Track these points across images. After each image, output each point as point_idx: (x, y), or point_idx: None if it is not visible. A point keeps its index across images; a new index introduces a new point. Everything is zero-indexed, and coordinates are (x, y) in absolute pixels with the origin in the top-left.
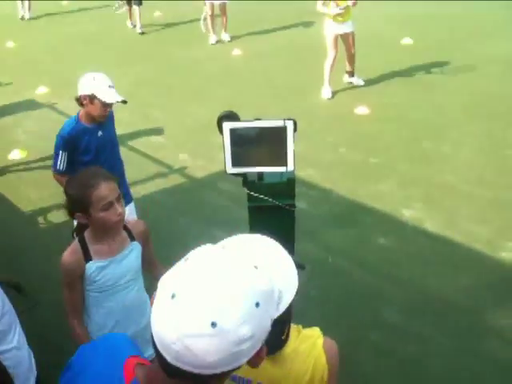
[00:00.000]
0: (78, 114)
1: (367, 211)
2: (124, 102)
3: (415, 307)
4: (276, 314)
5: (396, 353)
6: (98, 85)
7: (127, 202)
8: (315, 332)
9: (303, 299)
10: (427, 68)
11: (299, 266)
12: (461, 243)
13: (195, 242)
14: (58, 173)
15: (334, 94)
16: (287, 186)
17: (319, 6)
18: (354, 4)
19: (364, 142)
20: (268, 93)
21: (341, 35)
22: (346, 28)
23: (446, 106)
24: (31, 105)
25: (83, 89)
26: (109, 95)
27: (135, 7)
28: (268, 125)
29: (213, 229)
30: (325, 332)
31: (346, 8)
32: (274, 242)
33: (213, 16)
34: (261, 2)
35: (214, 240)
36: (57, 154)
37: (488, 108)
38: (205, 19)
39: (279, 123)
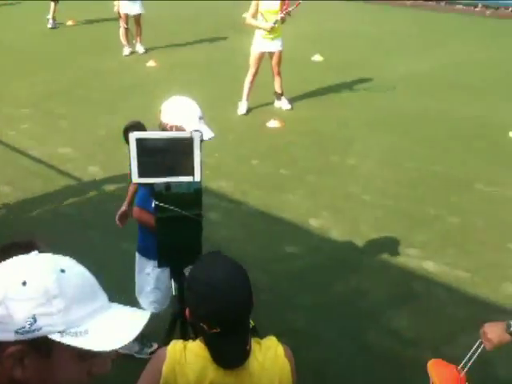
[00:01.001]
0: None
1: (276, 221)
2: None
3: (321, 312)
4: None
5: (303, 357)
6: (190, 117)
7: None
8: (273, 342)
9: None
10: (336, 84)
11: None
12: (363, 250)
13: (104, 254)
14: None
15: (249, 109)
16: (195, 196)
17: (249, 19)
18: (283, 18)
19: (275, 155)
20: None
21: (269, 53)
22: (273, 46)
23: (352, 120)
24: None
25: (171, 116)
26: (204, 133)
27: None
28: (175, 135)
29: (122, 241)
30: None
31: (277, 24)
32: None
33: (127, 27)
34: (178, 15)
35: (123, 252)
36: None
37: (392, 123)
38: None
39: (186, 134)
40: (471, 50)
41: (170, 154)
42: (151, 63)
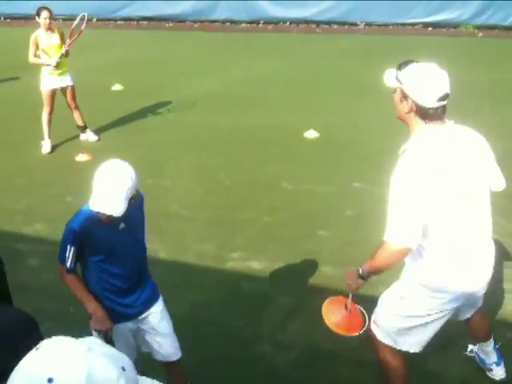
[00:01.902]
0: None
1: None
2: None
3: None
4: None
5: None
6: (95, 186)
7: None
8: None
9: None
10: (140, 110)
11: None
12: (191, 263)
13: None
14: (67, 271)
15: (54, 146)
16: None
17: (31, 58)
18: (67, 51)
19: (89, 188)
20: None
21: (61, 89)
22: (63, 81)
23: (162, 143)
24: None
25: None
26: (94, 202)
27: None
28: None
29: None
30: None
31: (62, 58)
32: None
33: None
34: None
35: None
36: (64, 248)
37: (198, 140)
38: None
39: None
40: (255, 65)
41: None
42: None
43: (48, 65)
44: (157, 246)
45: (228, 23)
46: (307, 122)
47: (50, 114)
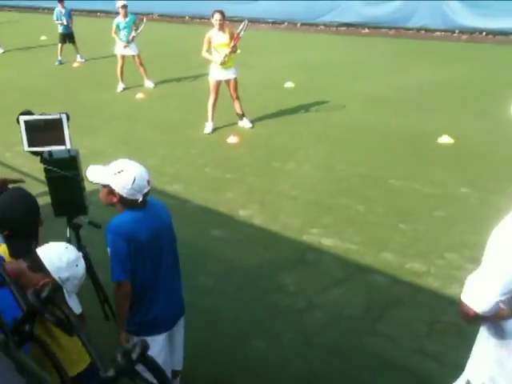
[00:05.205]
0: None
1: (211, 212)
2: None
3: (229, 277)
4: None
5: (201, 307)
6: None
7: None
8: None
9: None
10: (300, 106)
11: (95, 225)
12: (275, 231)
13: None
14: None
15: (215, 129)
16: (71, 161)
17: (204, 54)
18: (232, 51)
19: (226, 164)
20: (160, 127)
21: (225, 80)
22: (228, 75)
23: (303, 134)
24: None
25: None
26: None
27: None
28: (50, 117)
29: None
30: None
31: (228, 56)
32: None
33: (122, 66)
34: (170, 53)
35: None
36: None
37: (337, 135)
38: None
39: (57, 116)
40: (431, 72)
41: (48, 130)
42: (140, 95)
43: (214, 62)
44: (254, 214)
45: (423, 31)
46: (449, 128)
47: (215, 100)
